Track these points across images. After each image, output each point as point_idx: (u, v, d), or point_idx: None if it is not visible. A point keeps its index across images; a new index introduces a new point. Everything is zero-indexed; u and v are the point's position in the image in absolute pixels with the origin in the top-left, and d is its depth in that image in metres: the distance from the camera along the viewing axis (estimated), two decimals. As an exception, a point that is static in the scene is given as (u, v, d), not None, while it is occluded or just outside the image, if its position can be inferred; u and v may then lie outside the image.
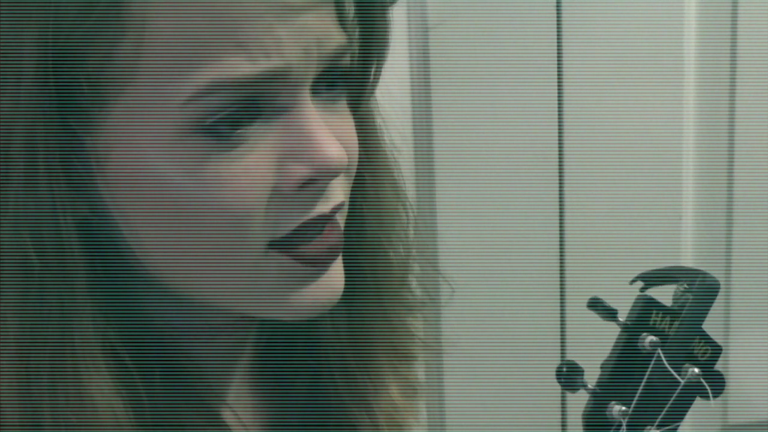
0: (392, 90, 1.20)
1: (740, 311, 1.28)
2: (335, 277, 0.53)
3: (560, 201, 1.26)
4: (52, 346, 0.47)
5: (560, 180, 1.25)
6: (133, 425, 0.49)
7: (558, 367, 0.56)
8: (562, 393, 1.31)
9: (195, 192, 0.47)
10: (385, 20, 0.53)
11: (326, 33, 0.49)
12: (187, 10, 0.45)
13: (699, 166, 1.28)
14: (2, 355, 0.47)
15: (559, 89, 1.22)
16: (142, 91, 0.46)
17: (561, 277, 1.28)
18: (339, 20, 0.50)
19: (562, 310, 1.29)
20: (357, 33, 0.53)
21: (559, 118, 1.23)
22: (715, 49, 1.24)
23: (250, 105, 0.47)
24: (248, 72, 0.46)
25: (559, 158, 1.24)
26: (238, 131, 0.47)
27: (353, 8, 0.52)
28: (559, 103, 1.22)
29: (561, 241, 1.27)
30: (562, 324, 1.29)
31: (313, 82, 0.49)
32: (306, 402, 0.63)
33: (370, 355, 0.63)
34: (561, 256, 1.27)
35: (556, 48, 1.21)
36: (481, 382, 1.27)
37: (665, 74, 1.23)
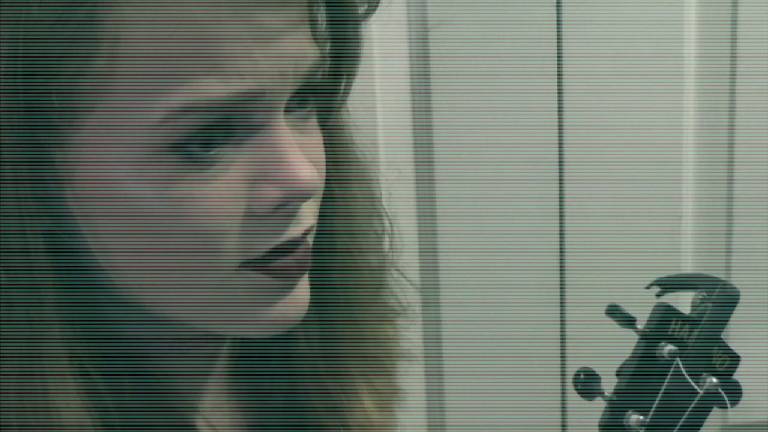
0: (392, 90, 1.21)
1: (740, 311, 1.28)
2: (301, 292, 0.52)
3: (560, 201, 1.26)
4: (20, 362, 0.47)
5: (560, 180, 1.25)
6: None
7: (575, 374, 0.56)
8: (562, 393, 1.31)
9: (165, 211, 0.46)
10: (357, 35, 0.53)
11: (303, 54, 0.48)
12: (162, 29, 0.44)
13: (699, 166, 1.28)
14: None
15: (559, 89, 1.22)
16: (114, 109, 0.45)
17: (561, 277, 1.28)
18: (313, 36, 0.50)
19: (562, 310, 1.29)
20: (328, 47, 0.52)
21: (559, 118, 1.23)
22: (715, 49, 1.24)
23: (223, 125, 0.46)
24: (222, 94, 0.45)
25: (559, 158, 1.24)
26: (211, 152, 0.46)
27: (325, 22, 0.52)
28: (559, 103, 1.22)
29: (561, 241, 1.27)
30: (562, 324, 1.29)
31: (286, 101, 0.49)
32: (283, 414, 0.62)
33: (342, 367, 0.63)
34: (561, 256, 1.27)
35: (556, 48, 1.20)
36: (481, 382, 1.27)
37: (665, 74, 1.23)
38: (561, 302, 1.28)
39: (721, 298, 0.58)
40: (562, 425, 1.32)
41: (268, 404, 0.62)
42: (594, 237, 1.26)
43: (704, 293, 0.59)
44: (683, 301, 0.61)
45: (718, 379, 0.57)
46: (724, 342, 0.58)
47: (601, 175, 1.24)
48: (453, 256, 1.23)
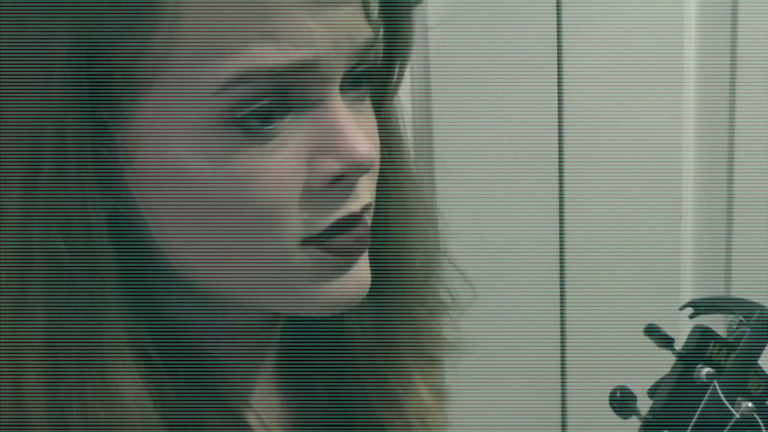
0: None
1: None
2: (362, 271, 0.53)
3: (560, 201, 1.26)
4: (81, 344, 0.47)
5: (560, 180, 1.25)
6: (161, 424, 0.49)
7: (611, 392, 0.56)
8: (562, 393, 1.31)
9: (226, 187, 0.47)
10: (409, 19, 0.54)
11: (356, 28, 0.49)
12: (221, 2, 0.45)
13: (699, 166, 1.28)
14: (30, 353, 0.47)
15: (559, 89, 1.22)
16: (173, 83, 0.46)
17: (561, 277, 1.28)
18: (365, 16, 0.51)
19: (562, 310, 1.29)
20: (381, 32, 0.53)
21: (559, 118, 1.23)
22: (715, 49, 1.24)
23: (281, 98, 0.47)
24: (277, 62, 0.46)
25: (559, 158, 1.24)
26: (269, 126, 0.47)
27: (378, 7, 0.53)
28: (559, 103, 1.22)
29: (561, 241, 1.27)
30: (562, 324, 1.29)
31: (341, 79, 0.49)
32: (331, 402, 0.62)
33: (398, 355, 0.63)
34: (561, 256, 1.27)
35: (556, 48, 1.21)
36: (481, 382, 1.27)
37: (665, 74, 1.23)
38: (561, 302, 1.28)
39: (760, 323, 0.58)
40: (562, 425, 1.32)
41: (317, 389, 0.62)
42: (594, 237, 1.26)
43: (741, 317, 0.59)
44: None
45: (753, 403, 0.57)
46: (760, 367, 0.58)
47: (601, 175, 1.25)
48: (453, 255, 1.23)
